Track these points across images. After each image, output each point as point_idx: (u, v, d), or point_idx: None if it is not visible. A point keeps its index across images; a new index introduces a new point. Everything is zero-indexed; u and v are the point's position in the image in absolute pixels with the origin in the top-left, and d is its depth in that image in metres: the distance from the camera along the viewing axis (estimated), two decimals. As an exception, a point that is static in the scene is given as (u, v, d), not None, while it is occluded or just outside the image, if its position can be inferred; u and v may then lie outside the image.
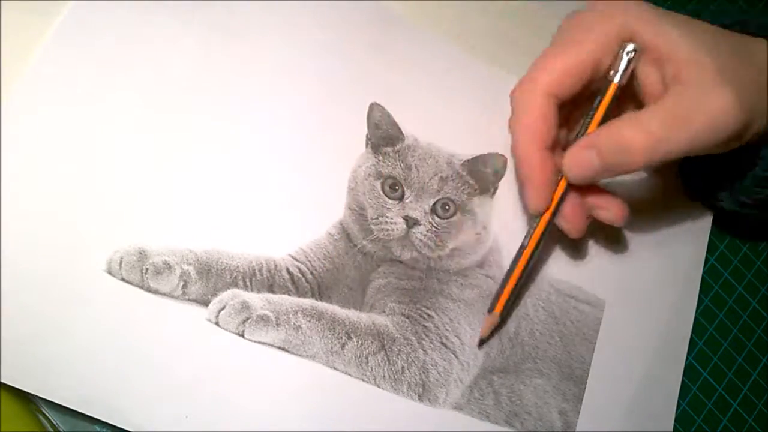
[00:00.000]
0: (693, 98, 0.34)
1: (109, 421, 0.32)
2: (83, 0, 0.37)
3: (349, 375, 0.36)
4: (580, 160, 0.36)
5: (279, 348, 0.35)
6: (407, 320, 0.38)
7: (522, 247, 0.38)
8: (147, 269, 0.34)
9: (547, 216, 0.38)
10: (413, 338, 0.37)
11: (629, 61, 0.36)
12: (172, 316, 0.34)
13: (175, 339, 0.34)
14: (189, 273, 0.35)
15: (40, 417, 0.33)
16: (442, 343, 0.38)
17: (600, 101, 0.37)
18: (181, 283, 0.35)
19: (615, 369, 0.41)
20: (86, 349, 0.33)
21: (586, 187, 0.38)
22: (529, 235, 0.38)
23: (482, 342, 0.39)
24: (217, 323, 0.35)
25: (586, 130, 0.37)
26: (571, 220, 0.38)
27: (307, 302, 0.37)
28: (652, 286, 0.43)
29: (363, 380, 0.36)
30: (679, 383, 0.42)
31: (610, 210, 0.38)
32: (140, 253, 0.34)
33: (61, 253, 0.34)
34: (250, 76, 0.39)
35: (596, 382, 0.41)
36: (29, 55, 0.36)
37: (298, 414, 0.35)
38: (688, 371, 0.43)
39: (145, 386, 0.33)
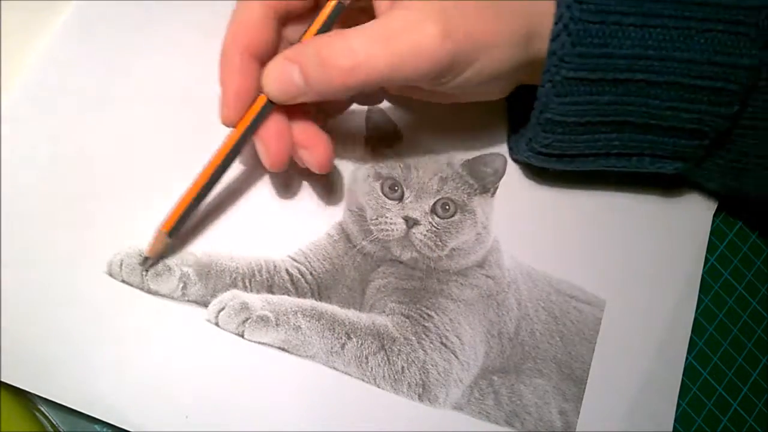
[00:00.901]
0: (402, 20, 0.31)
1: (108, 421, 0.32)
2: (84, 0, 0.37)
3: (349, 375, 0.36)
4: (279, 72, 0.32)
5: (279, 348, 0.35)
6: (407, 320, 0.38)
7: (205, 165, 0.34)
8: (147, 271, 0.34)
9: (237, 132, 0.33)
10: (413, 338, 0.38)
11: None
12: (171, 317, 0.34)
13: (175, 340, 0.34)
14: (188, 274, 0.35)
15: (40, 417, 0.33)
16: (442, 343, 0.38)
17: (317, 16, 0.33)
18: (181, 285, 0.35)
19: (615, 369, 0.41)
20: (86, 349, 0.33)
21: (294, 115, 0.34)
22: (215, 155, 0.34)
23: (146, 260, 0.35)
24: (216, 324, 0.35)
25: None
26: (267, 144, 0.33)
27: (307, 303, 0.37)
28: (652, 286, 0.43)
29: (363, 380, 0.36)
30: (679, 383, 0.42)
31: (312, 151, 0.34)
32: (140, 255, 0.35)
33: (61, 255, 0.34)
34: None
35: (596, 382, 0.41)
36: (30, 55, 0.36)
37: (298, 414, 0.35)
38: (688, 371, 0.43)
39: (145, 386, 0.33)
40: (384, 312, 0.38)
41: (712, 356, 0.44)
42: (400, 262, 0.39)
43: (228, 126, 0.34)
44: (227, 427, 0.34)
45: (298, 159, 0.35)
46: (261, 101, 0.33)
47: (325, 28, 0.33)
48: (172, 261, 0.35)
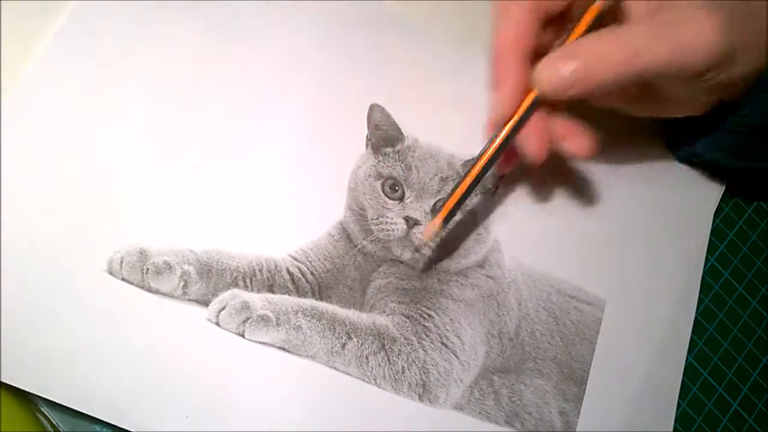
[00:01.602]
0: (677, 16, 0.32)
1: (109, 421, 0.32)
2: (84, 0, 0.37)
3: (350, 375, 0.36)
4: (552, 68, 0.34)
5: (279, 348, 0.35)
6: (407, 320, 0.38)
7: (476, 158, 0.36)
8: (147, 269, 0.34)
9: (507, 129, 0.35)
10: (413, 338, 0.37)
11: None
12: (172, 316, 0.34)
13: (176, 339, 0.34)
14: (189, 273, 0.35)
15: (40, 417, 0.33)
16: (442, 343, 0.38)
17: (580, 18, 0.35)
18: (182, 283, 0.35)
19: (615, 369, 0.41)
20: (86, 348, 0.33)
21: (554, 111, 0.36)
22: (486, 147, 0.36)
23: (420, 247, 0.38)
24: (217, 323, 0.35)
25: (562, 45, 0.36)
26: (531, 141, 0.36)
27: (308, 302, 0.37)
28: (653, 286, 0.43)
29: (363, 380, 0.36)
30: (680, 383, 0.42)
31: (575, 140, 0.36)
32: (141, 253, 0.34)
33: (61, 253, 0.34)
34: (251, 77, 0.39)
35: (597, 382, 0.41)
36: (29, 55, 0.36)
37: (299, 414, 0.35)
38: (688, 371, 0.43)
39: (145, 386, 0.33)
40: (384, 312, 0.38)
41: (712, 356, 0.44)
42: (401, 262, 0.39)
43: (497, 124, 0.36)
44: (227, 427, 0.34)
45: (562, 151, 0.36)
46: (529, 100, 0.35)
47: (590, 29, 0.35)
48: (172, 259, 0.35)
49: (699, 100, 0.37)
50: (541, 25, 0.36)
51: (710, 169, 0.45)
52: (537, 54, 0.35)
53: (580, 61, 0.33)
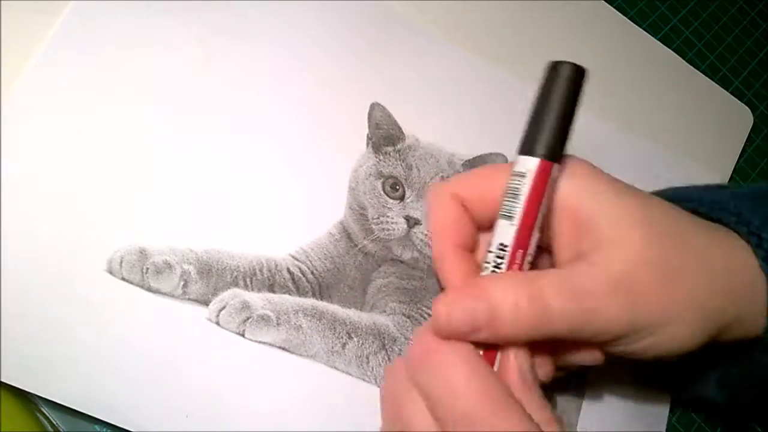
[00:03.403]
0: (591, 282, 0.28)
1: (109, 421, 0.32)
2: (84, 0, 0.37)
3: (350, 375, 0.36)
4: (468, 308, 0.28)
5: (280, 348, 0.35)
6: (408, 320, 0.38)
7: None
8: (147, 269, 0.34)
9: None
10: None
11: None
12: (172, 316, 0.34)
13: (176, 339, 0.34)
14: (189, 272, 0.35)
15: (40, 417, 0.33)
16: (442, 343, 0.38)
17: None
18: (182, 283, 0.35)
19: (615, 368, 0.41)
20: (86, 348, 0.33)
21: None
22: None
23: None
24: (217, 323, 0.35)
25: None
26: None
27: (308, 302, 0.37)
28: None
29: (364, 380, 0.36)
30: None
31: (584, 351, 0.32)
32: (141, 253, 0.34)
33: (61, 253, 0.34)
34: (251, 76, 0.39)
35: (597, 382, 0.41)
36: (29, 56, 0.36)
37: (299, 413, 0.35)
38: (689, 371, 0.43)
39: (146, 386, 0.33)
40: (385, 311, 0.38)
41: (712, 356, 0.44)
42: (401, 262, 0.39)
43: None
44: (227, 427, 0.34)
45: (567, 362, 0.33)
46: None
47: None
48: (172, 258, 0.35)
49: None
50: (473, 225, 0.33)
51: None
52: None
53: (485, 306, 0.28)
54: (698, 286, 0.30)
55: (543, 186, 0.29)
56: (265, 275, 0.36)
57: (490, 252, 0.29)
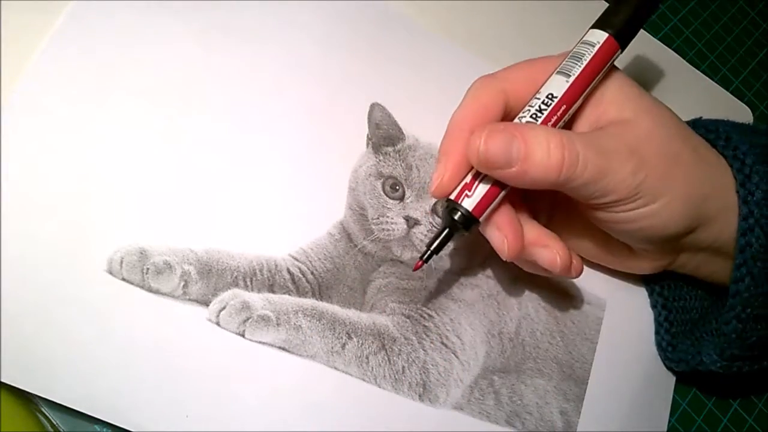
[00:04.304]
0: (613, 143, 0.33)
1: (108, 420, 0.32)
2: (83, 0, 0.37)
3: (350, 375, 0.36)
4: (503, 140, 0.32)
5: (279, 348, 0.35)
6: (408, 320, 0.38)
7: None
8: (148, 269, 0.34)
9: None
10: (414, 338, 0.37)
11: None
12: (172, 316, 0.34)
13: (176, 339, 0.34)
14: (190, 273, 0.35)
15: (40, 417, 0.33)
16: (442, 343, 0.38)
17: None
18: (182, 283, 0.35)
19: (616, 369, 0.41)
20: (86, 348, 0.33)
21: (522, 209, 0.36)
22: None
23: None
24: (217, 323, 0.35)
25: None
26: (505, 232, 0.34)
27: (308, 302, 0.37)
28: (653, 286, 0.43)
29: (363, 380, 0.36)
30: (673, 381, 0.42)
31: (549, 249, 0.35)
32: (141, 253, 0.34)
33: (61, 253, 0.34)
34: (251, 76, 0.39)
35: (597, 382, 0.41)
36: (29, 55, 0.36)
37: (299, 413, 0.35)
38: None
39: (146, 386, 0.33)
40: (385, 312, 0.38)
41: (712, 356, 0.44)
42: (401, 262, 0.39)
43: (437, 197, 0.35)
44: (227, 427, 0.34)
45: (532, 259, 0.35)
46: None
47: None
48: (172, 259, 0.35)
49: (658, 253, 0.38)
50: (500, 114, 0.35)
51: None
52: None
53: (532, 146, 0.32)
54: (691, 171, 0.35)
55: (605, 59, 0.34)
56: (265, 275, 0.36)
57: (536, 98, 0.34)
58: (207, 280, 0.35)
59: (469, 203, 0.33)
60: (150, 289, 0.34)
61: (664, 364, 0.43)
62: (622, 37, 0.34)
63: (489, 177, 0.33)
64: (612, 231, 0.37)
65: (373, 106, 0.40)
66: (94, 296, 0.33)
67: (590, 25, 0.35)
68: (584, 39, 0.35)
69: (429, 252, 0.34)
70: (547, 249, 0.35)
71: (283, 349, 0.35)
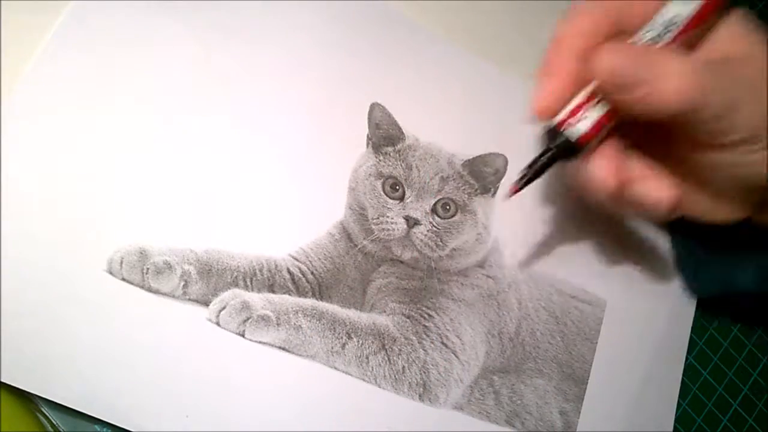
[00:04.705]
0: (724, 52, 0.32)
1: (109, 420, 0.32)
2: (83, 0, 0.37)
3: (350, 375, 0.36)
4: (633, 60, 0.30)
5: (279, 348, 0.35)
6: (408, 320, 0.38)
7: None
8: (148, 269, 0.34)
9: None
10: (414, 338, 0.37)
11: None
12: (172, 316, 0.34)
13: (176, 339, 0.34)
14: (190, 273, 0.35)
15: (40, 417, 0.33)
16: (442, 343, 0.38)
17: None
18: (182, 283, 0.35)
19: (616, 369, 0.41)
20: (86, 348, 0.33)
21: (630, 147, 0.33)
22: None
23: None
24: (217, 323, 0.35)
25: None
26: (603, 165, 0.32)
27: (308, 302, 0.37)
28: (653, 285, 0.43)
29: (363, 380, 0.36)
30: (680, 383, 0.42)
31: (651, 181, 0.33)
32: (141, 253, 0.34)
33: (61, 253, 0.34)
34: (251, 76, 0.39)
35: (597, 382, 0.41)
36: (29, 56, 0.36)
37: (298, 413, 0.35)
38: (688, 371, 0.43)
39: (146, 386, 0.33)
40: (385, 312, 0.38)
41: (712, 356, 0.44)
42: (401, 262, 0.39)
43: (541, 119, 0.32)
44: (227, 427, 0.34)
45: (638, 194, 0.33)
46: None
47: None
48: (172, 259, 0.35)
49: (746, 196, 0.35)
50: (612, 33, 0.33)
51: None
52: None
53: (653, 64, 0.30)
54: None
55: None
56: (265, 275, 0.36)
57: (659, 20, 0.31)
58: (207, 280, 0.35)
59: (579, 128, 0.31)
60: (150, 289, 0.34)
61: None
62: None
63: (602, 103, 0.31)
64: (718, 175, 0.34)
65: (373, 106, 0.40)
66: (94, 296, 0.33)
67: None
68: None
69: (528, 175, 0.32)
70: (647, 181, 0.33)
71: (283, 349, 0.35)
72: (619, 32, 0.33)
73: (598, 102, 0.31)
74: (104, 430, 0.34)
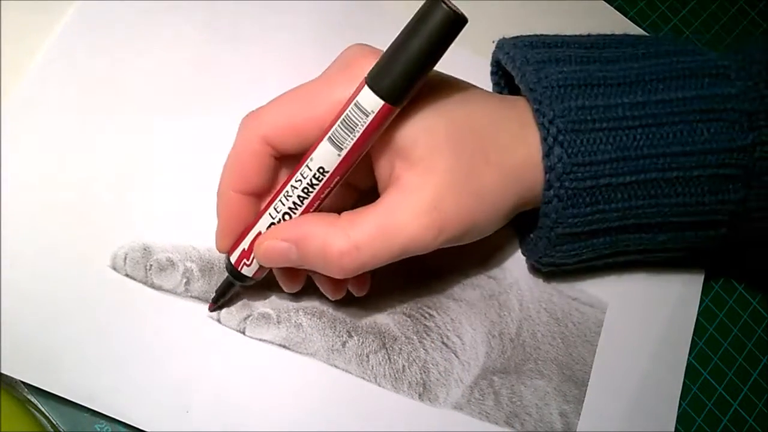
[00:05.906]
0: (401, 214, 0.30)
1: (109, 414, 0.32)
2: (88, 0, 0.37)
3: (350, 373, 0.36)
4: (276, 251, 0.31)
5: (280, 345, 0.35)
6: (408, 319, 0.38)
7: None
8: (151, 265, 0.35)
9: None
10: (414, 337, 0.37)
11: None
12: (174, 313, 0.35)
13: (177, 335, 0.34)
14: (192, 270, 0.35)
15: (40, 417, 0.33)
16: (443, 343, 0.38)
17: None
18: (184, 280, 0.35)
19: (616, 370, 0.41)
20: (89, 343, 0.33)
21: None
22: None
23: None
24: (218, 320, 0.35)
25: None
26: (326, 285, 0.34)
27: (308, 300, 0.37)
28: (654, 287, 0.43)
29: (363, 378, 0.36)
30: (681, 384, 0.42)
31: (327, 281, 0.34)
32: (144, 250, 0.35)
33: (65, 249, 0.34)
34: (254, 76, 0.39)
35: (597, 384, 0.41)
36: (33, 55, 0.36)
37: (298, 411, 0.35)
38: (689, 371, 0.43)
39: (147, 381, 0.33)
40: (386, 310, 0.38)
41: (712, 356, 0.44)
42: (402, 261, 0.39)
43: (222, 252, 0.34)
44: (227, 423, 0.34)
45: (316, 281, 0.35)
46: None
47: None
48: (175, 256, 0.35)
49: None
50: (275, 160, 0.32)
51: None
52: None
53: (307, 252, 0.30)
54: (498, 199, 0.33)
55: (380, 125, 0.29)
56: (267, 273, 0.36)
57: (307, 168, 0.30)
58: (209, 277, 0.35)
59: (248, 271, 0.33)
60: (153, 286, 0.35)
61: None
62: (400, 99, 0.29)
63: None
64: None
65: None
66: (98, 291, 0.34)
67: (366, 76, 0.29)
68: (359, 103, 0.29)
69: (216, 297, 0.35)
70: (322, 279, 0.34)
71: (284, 346, 0.36)
72: (278, 153, 0.32)
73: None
74: (104, 429, 0.34)
